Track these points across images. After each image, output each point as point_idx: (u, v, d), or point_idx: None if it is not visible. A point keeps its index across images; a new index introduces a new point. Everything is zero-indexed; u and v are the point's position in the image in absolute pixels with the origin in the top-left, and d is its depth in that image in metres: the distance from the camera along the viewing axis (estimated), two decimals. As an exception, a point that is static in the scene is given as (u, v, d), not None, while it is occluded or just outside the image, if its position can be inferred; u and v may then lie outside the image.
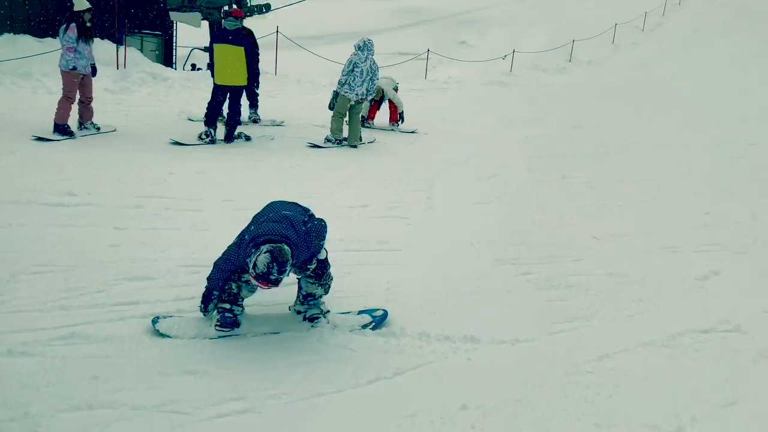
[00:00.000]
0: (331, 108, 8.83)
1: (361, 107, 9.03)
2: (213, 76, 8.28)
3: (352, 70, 8.52)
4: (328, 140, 8.64)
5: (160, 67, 13.65)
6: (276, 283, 2.99)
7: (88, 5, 7.82)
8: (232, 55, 8.08)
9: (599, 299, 4.19)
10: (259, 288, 3.15)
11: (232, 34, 8.13)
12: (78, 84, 7.85)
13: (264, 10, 17.98)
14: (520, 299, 4.12)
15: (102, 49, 13.22)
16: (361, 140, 8.91)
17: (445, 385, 3.06)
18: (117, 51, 12.69)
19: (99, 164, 6.54)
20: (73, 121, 7.85)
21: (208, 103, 8.24)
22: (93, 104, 8.11)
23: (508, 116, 12.17)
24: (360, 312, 3.68)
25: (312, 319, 3.50)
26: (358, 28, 26.00)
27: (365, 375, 3.08)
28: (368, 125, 10.35)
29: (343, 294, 3.95)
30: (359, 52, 8.57)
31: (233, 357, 3.15)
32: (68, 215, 4.96)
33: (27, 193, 5.33)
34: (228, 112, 8.33)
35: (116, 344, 3.16)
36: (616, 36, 25.66)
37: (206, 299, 3.39)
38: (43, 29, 13.69)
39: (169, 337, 3.25)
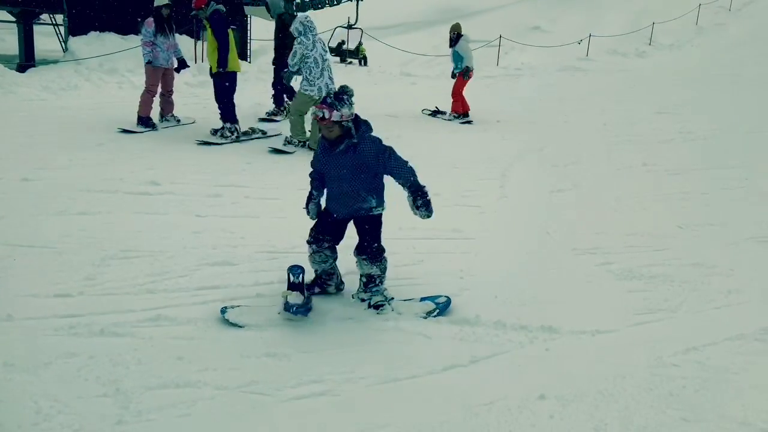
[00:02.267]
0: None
1: None
2: (223, 65, 7.34)
3: (305, 62, 7.02)
4: (288, 142, 7.36)
5: (235, 61, 14.01)
6: (328, 105, 3.28)
7: (165, 2, 8.11)
8: (234, 40, 7.61)
9: (684, 290, 4.01)
10: (318, 115, 3.32)
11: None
12: (159, 77, 8.17)
13: (336, 2, 18.16)
14: (600, 289, 4.00)
15: (181, 44, 13.72)
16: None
17: (523, 375, 3.01)
18: (195, 46, 13.11)
19: (180, 155, 6.78)
20: (155, 114, 8.17)
21: (230, 97, 7.54)
22: (174, 97, 8.43)
23: (585, 102, 11.79)
24: (423, 299, 3.66)
25: (377, 307, 3.52)
26: (429, 17, 25.86)
27: (441, 362, 3.07)
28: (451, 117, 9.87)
29: (416, 282, 3.95)
30: (303, 38, 7.00)
31: (311, 341, 3.21)
32: (152, 203, 5.17)
33: (114, 182, 5.60)
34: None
35: (200, 326, 3.28)
36: (699, 17, 24.36)
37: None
38: (127, 26, 14.30)
39: (239, 326, 3.30)
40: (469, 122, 9.77)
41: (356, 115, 3.46)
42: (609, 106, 11.44)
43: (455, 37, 10.05)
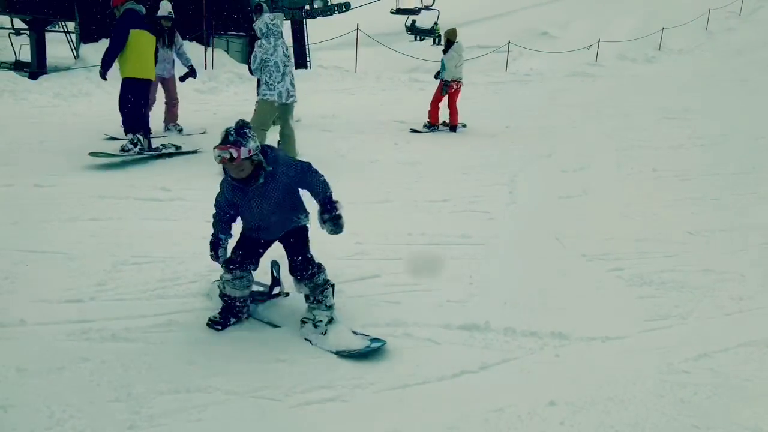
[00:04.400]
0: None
1: (292, 111, 6.85)
2: (104, 67, 6.76)
3: (265, 66, 6.56)
4: None
5: (245, 68, 14.11)
6: (232, 144, 2.99)
7: (166, 13, 8.16)
8: (151, 45, 6.95)
9: (695, 297, 3.99)
10: (225, 157, 3.01)
11: (144, 18, 6.87)
12: (156, 87, 8.21)
13: (344, 9, 18.25)
14: (610, 296, 3.99)
15: (190, 51, 13.83)
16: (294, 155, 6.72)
17: (533, 381, 3.01)
18: (205, 52, 13.20)
19: (189, 161, 6.82)
20: (159, 123, 8.23)
21: (132, 104, 6.81)
22: (180, 105, 8.48)
23: (594, 108, 11.78)
24: (360, 334, 3.30)
25: (302, 321, 3.36)
26: (440, 24, 25.89)
27: (450, 368, 3.07)
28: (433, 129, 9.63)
29: (424, 288, 3.94)
30: (264, 41, 6.54)
31: (317, 349, 3.20)
32: (163, 209, 5.21)
33: (125, 188, 5.65)
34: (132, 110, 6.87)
35: (210, 332, 3.29)
36: (709, 22, 24.30)
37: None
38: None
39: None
40: (430, 131, 9.57)
41: (262, 146, 3.22)
42: (618, 111, 11.42)
43: (446, 44, 9.87)
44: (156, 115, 8.22)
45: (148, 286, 3.79)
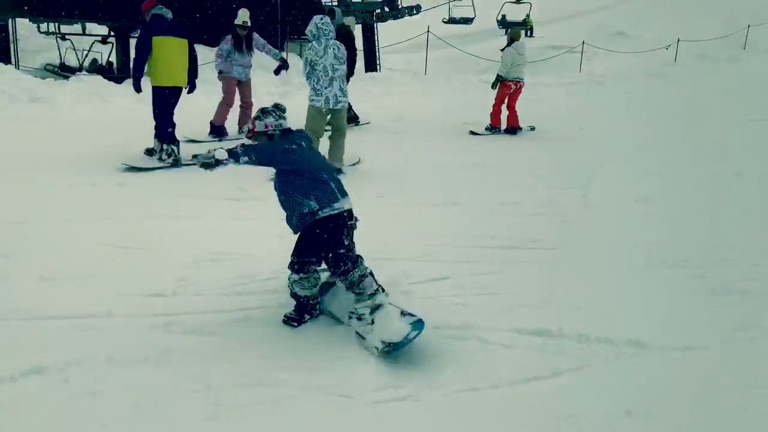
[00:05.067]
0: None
1: (343, 117, 6.74)
2: (133, 76, 6.86)
3: (313, 70, 6.43)
4: None
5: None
6: (255, 119, 3.30)
7: (241, 22, 8.44)
8: (181, 50, 6.75)
9: (783, 308, 3.78)
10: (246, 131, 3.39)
11: (173, 23, 6.74)
12: (234, 88, 8.53)
13: (415, 12, 18.29)
14: (691, 304, 3.84)
15: (264, 55, 14.22)
16: (341, 163, 6.68)
17: (608, 390, 2.93)
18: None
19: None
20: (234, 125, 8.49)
21: (160, 114, 6.77)
22: (253, 109, 8.74)
23: (673, 109, 11.35)
24: (407, 314, 3.32)
25: (349, 315, 3.39)
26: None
27: (522, 373, 3.03)
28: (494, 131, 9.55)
29: (495, 291, 3.91)
30: (314, 43, 6.39)
31: (391, 347, 3.23)
32: (239, 208, 5.38)
33: (204, 187, 5.86)
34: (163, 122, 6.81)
35: (285, 328, 3.38)
36: (801, 17, 22.93)
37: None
38: (214, 40, 14.94)
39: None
40: (491, 134, 9.46)
41: (288, 128, 3.40)
42: (698, 113, 10.97)
43: (508, 42, 9.70)
44: (232, 118, 8.53)
45: (226, 283, 3.92)
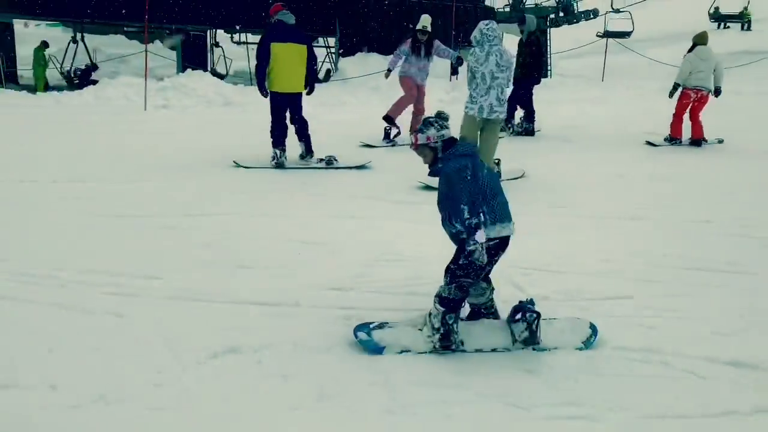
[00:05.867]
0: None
1: (497, 128, 6.44)
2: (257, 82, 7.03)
3: (473, 77, 6.24)
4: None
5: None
6: (417, 131, 3.25)
7: (422, 26, 8.61)
8: (298, 56, 6.90)
9: None
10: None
11: (294, 29, 6.91)
12: (413, 86, 8.72)
13: (591, 16, 17.58)
14: None
15: (439, 62, 14.46)
16: (499, 176, 6.09)
17: (822, 436, 2.60)
18: (451, 64, 13.65)
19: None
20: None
21: (273, 119, 7.03)
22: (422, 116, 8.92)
23: None
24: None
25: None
26: (693, 28, 23.69)
27: (716, 405, 2.78)
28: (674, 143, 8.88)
29: (686, 315, 3.63)
30: (477, 49, 6.15)
31: (568, 363, 3.12)
32: (412, 211, 5.51)
33: (378, 190, 6.10)
34: (295, 120, 7.17)
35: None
36: None
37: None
38: (390, 47, 15.48)
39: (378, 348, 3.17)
40: (670, 145, 8.76)
41: (451, 138, 3.25)
42: None
43: (691, 47, 8.92)
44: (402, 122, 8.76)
45: (399, 282, 4.03)
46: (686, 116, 8.84)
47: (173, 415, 2.60)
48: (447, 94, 12.53)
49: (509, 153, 7.69)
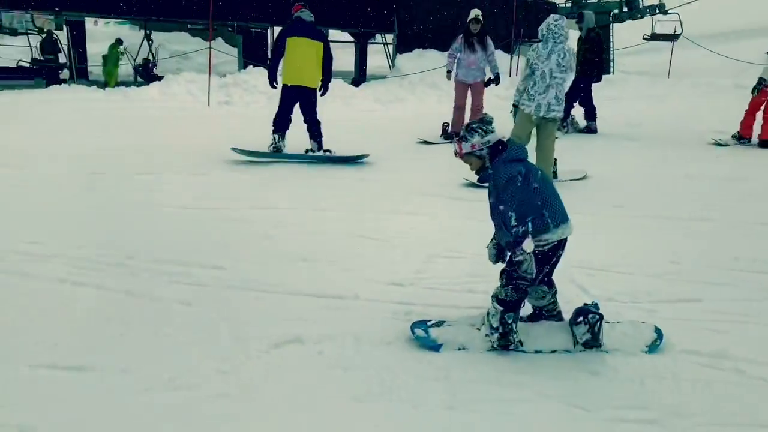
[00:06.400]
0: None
1: (553, 128, 6.25)
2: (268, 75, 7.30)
3: (531, 73, 6.03)
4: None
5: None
6: (459, 139, 3.09)
7: (474, 15, 8.47)
8: (311, 52, 7.05)
9: None
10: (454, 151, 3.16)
11: (311, 26, 7.11)
12: (462, 92, 8.60)
13: (657, 11, 17.03)
14: None
15: (497, 58, 14.30)
16: (556, 176, 6.27)
17: None
18: (510, 60, 13.49)
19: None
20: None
21: (279, 108, 7.25)
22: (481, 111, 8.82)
23: None
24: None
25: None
26: (760, 25, 22.67)
27: (794, 416, 2.67)
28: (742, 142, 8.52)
29: (759, 321, 3.49)
30: (539, 45, 5.99)
31: (632, 367, 3.03)
32: (469, 208, 5.48)
33: (438, 187, 6.09)
34: (306, 120, 7.29)
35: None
36: None
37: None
38: (448, 43, 15.44)
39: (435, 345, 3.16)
40: (738, 143, 8.41)
41: (499, 141, 3.09)
42: None
43: None
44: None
45: (458, 280, 4.02)
46: (759, 114, 8.48)
47: (238, 402, 2.67)
48: (506, 90, 12.35)
49: (570, 152, 7.56)
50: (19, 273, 3.86)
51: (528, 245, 2.99)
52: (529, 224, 3.00)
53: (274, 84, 7.24)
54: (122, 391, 2.72)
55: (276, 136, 7.18)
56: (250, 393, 2.74)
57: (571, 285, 3.88)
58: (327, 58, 7.16)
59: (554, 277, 3.33)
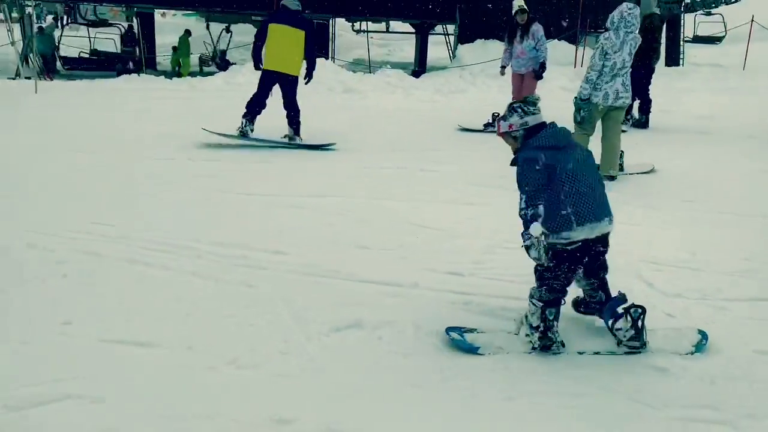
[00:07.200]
0: (577, 122, 5.99)
1: (619, 117, 6.06)
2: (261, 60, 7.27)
3: (603, 64, 5.79)
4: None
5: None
6: (501, 119, 3.05)
7: (518, 6, 8.25)
8: (291, 39, 7.09)
9: None
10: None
11: (294, 14, 7.15)
12: (516, 82, 8.45)
13: (733, 0, 16.28)
14: None
15: (559, 49, 13.99)
16: (622, 169, 6.15)
17: None
18: (575, 51, 13.17)
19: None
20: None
21: (256, 92, 7.26)
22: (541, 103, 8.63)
23: None
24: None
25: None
26: None
27: None
28: None
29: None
30: (611, 33, 5.77)
31: (703, 367, 2.92)
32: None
33: (496, 178, 5.99)
34: (285, 106, 7.32)
35: (581, 324, 3.28)
36: None
37: None
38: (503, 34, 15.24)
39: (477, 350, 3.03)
40: None
41: (539, 124, 2.96)
42: None
43: None
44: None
45: (519, 271, 3.92)
46: None
47: (299, 383, 2.72)
48: (571, 81, 12.06)
49: (637, 145, 7.33)
50: (92, 252, 4.03)
51: (535, 229, 2.88)
52: (540, 208, 2.89)
53: (259, 66, 7.31)
54: (187, 367, 2.81)
55: (244, 120, 7.24)
56: (310, 374, 2.78)
57: (637, 280, 3.77)
58: (310, 47, 7.21)
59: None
